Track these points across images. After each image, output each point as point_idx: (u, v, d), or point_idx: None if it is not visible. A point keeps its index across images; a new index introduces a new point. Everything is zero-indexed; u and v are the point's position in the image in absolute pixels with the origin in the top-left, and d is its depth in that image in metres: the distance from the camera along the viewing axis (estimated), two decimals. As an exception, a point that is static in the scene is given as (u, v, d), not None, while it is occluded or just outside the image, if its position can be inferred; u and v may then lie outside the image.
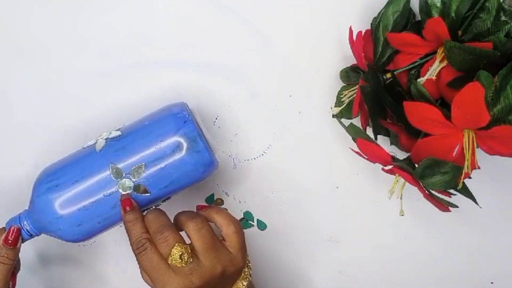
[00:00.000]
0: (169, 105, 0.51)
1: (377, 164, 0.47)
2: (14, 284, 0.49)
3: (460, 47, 0.42)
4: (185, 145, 0.47)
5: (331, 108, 0.55)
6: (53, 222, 0.47)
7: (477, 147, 0.42)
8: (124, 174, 0.47)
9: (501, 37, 0.43)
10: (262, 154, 0.58)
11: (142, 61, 0.56)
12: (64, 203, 0.47)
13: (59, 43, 0.56)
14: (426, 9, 0.46)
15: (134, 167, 0.47)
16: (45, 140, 0.57)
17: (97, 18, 0.55)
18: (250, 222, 0.60)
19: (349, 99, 0.53)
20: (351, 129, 0.47)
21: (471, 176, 0.43)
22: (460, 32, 0.45)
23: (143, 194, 0.48)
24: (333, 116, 0.55)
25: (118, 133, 0.49)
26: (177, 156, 0.47)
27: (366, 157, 0.47)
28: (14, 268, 0.48)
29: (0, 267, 0.46)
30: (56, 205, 0.47)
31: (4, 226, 0.49)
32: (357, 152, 0.47)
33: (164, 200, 0.51)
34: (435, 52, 0.46)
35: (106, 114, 0.57)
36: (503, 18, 0.44)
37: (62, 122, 0.57)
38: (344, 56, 0.55)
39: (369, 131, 0.51)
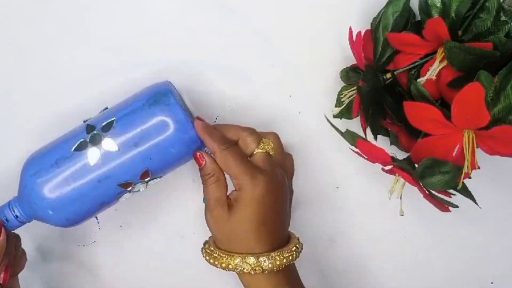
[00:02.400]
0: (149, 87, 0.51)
1: (377, 164, 0.47)
2: (5, 279, 0.48)
3: (460, 47, 0.42)
4: (154, 98, 0.47)
5: (327, 114, 0.55)
6: (41, 205, 0.47)
7: (477, 147, 0.42)
8: (95, 129, 0.47)
9: (501, 37, 0.43)
10: (262, 154, 0.58)
11: (142, 61, 0.56)
12: (50, 185, 0.46)
13: (59, 42, 0.56)
14: (426, 9, 0.46)
15: (105, 121, 0.47)
16: (45, 140, 0.57)
17: (97, 18, 0.55)
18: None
19: (349, 99, 0.53)
20: (348, 136, 0.47)
21: (471, 176, 0.43)
22: (460, 32, 0.45)
23: (111, 150, 0.46)
24: (333, 116, 0.55)
25: (105, 107, 0.50)
26: (146, 109, 0.47)
27: (366, 157, 0.47)
28: (8, 264, 0.48)
29: None
30: (43, 188, 0.46)
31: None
32: (357, 152, 0.47)
33: (144, 178, 0.48)
34: (435, 52, 0.46)
35: (106, 114, 0.57)
36: (503, 18, 0.44)
37: (62, 122, 0.57)
38: (344, 56, 0.55)
39: (369, 131, 0.51)
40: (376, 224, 0.60)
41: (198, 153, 0.48)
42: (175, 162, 0.49)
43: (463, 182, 0.43)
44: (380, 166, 0.48)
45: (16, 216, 0.48)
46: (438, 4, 0.45)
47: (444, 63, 0.45)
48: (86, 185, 0.47)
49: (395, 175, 0.47)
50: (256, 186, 0.46)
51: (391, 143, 0.53)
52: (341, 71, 0.55)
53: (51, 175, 0.47)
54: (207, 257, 0.48)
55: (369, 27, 0.51)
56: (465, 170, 0.42)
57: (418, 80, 0.46)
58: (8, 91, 0.56)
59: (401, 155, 0.49)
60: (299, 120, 0.58)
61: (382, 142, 0.50)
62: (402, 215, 0.48)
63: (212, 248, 0.48)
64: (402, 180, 0.47)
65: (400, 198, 0.48)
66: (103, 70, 0.56)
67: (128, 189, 0.48)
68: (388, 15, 0.49)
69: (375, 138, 0.51)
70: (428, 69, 0.46)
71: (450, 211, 0.46)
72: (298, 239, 0.50)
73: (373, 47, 0.50)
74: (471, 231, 0.60)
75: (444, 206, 0.46)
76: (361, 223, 0.60)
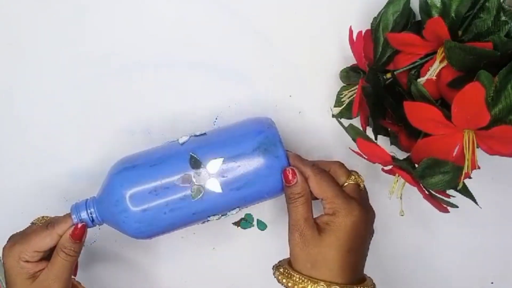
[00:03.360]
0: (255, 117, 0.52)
1: (377, 164, 0.47)
2: (75, 273, 0.52)
3: (460, 47, 0.42)
4: (265, 147, 0.47)
5: (331, 109, 0.55)
6: (127, 220, 0.46)
7: (477, 147, 0.42)
8: (202, 165, 0.47)
9: (501, 37, 0.43)
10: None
11: (141, 61, 0.56)
12: (145, 208, 0.46)
13: (59, 42, 0.56)
14: (426, 9, 0.46)
15: (212, 159, 0.47)
16: (45, 140, 0.57)
17: (97, 18, 0.55)
18: (250, 222, 0.60)
19: (349, 99, 0.53)
20: (350, 130, 0.47)
21: (471, 176, 0.43)
22: (460, 32, 0.45)
23: (215, 191, 0.47)
24: (333, 116, 0.55)
25: (203, 132, 0.50)
26: (256, 157, 0.47)
27: (366, 157, 0.47)
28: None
29: (66, 258, 0.47)
30: (135, 208, 0.46)
31: (68, 214, 0.48)
32: (357, 152, 0.47)
33: (232, 209, 0.50)
34: (435, 52, 0.46)
35: (106, 113, 0.57)
36: (503, 18, 0.44)
37: (62, 122, 0.57)
38: (344, 56, 0.55)
39: (369, 131, 0.51)
40: (376, 224, 0.60)
41: (289, 169, 0.47)
42: (261, 200, 0.50)
43: (463, 182, 0.43)
44: (380, 166, 0.48)
45: (91, 217, 0.48)
46: (438, 4, 0.45)
47: (444, 63, 0.45)
48: (180, 216, 0.48)
49: (395, 175, 0.47)
50: (350, 212, 0.46)
51: (391, 143, 0.53)
52: (341, 71, 0.55)
53: (147, 200, 0.46)
54: (283, 279, 0.46)
55: (369, 27, 0.51)
56: (465, 170, 0.42)
57: (418, 80, 0.46)
58: (8, 91, 0.56)
59: (401, 155, 0.49)
60: (299, 120, 0.58)
61: (382, 142, 0.50)
62: (402, 215, 0.48)
63: (290, 271, 0.46)
64: (402, 180, 0.46)
65: (400, 198, 0.48)
66: (103, 70, 0.56)
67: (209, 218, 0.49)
68: (388, 15, 0.49)
69: (375, 138, 0.51)
70: (428, 69, 0.46)
71: (449, 211, 0.46)
72: (373, 282, 0.49)
73: (373, 47, 0.50)
74: (471, 231, 0.60)
75: (443, 206, 0.46)
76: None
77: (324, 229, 0.46)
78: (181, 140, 0.49)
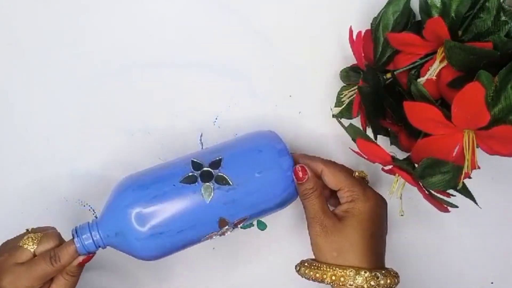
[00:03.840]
0: (271, 145, 0.50)
1: (377, 164, 0.47)
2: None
3: (460, 47, 0.42)
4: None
5: (331, 109, 0.55)
6: (130, 236, 0.46)
7: (477, 147, 0.42)
8: (227, 223, 0.48)
9: (501, 37, 0.43)
10: (262, 154, 0.58)
11: (141, 61, 0.56)
12: (147, 218, 0.46)
13: (59, 42, 0.56)
14: (426, 9, 0.46)
15: (238, 219, 0.49)
16: (45, 141, 0.57)
17: (97, 18, 0.55)
18: (250, 222, 0.60)
19: (349, 99, 0.53)
20: (350, 129, 0.47)
21: (471, 176, 0.43)
22: (460, 32, 0.45)
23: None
24: (333, 116, 0.55)
25: (227, 181, 0.48)
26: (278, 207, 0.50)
27: (366, 157, 0.47)
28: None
29: (71, 279, 0.47)
30: (137, 220, 0.45)
31: (71, 240, 0.47)
32: (357, 152, 0.47)
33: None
34: (435, 52, 0.46)
35: (106, 113, 0.57)
36: (503, 18, 0.44)
37: (62, 122, 0.57)
38: (344, 56, 0.55)
39: (369, 131, 0.51)
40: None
41: (298, 167, 0.48)
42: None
43: (463, 182, 0.43)
44: (380, 166, 0.48)
45: (93, 240, 0.46)
46: (438, 4, 0.45)
47: (444, 63, 0.45)
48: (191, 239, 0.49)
49: (395, 175, 0.47)
50: (368, 198, 0.48)
51: (391, 143, 0.53)
52: (341, 71, 0.55)
53: (160, 226, 0.46)
54: (310, 272, 0.47)
55: (369, 27, 0.51)
56: (465, 170, 0.42)
57: (418, 80, 0.46)
58: (8, 91, 0.56)
59: (401, 155, 0.49)
60: (299, 120, 0.58)
61: (382, 142, 0.50)
62: (402, 215, 0.48)
63: (316, 263, 0.47)
64: (402, 180, 0.46)
65: (400, 198, 0.48)
66: (103, 70, 0.56)
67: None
68: (388, 15, 0.49)
69: (375, 138, 0.51)
70: (428, 69, 0.46)
71: (450, 211, 0.46)
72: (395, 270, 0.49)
73: (373, 47, 0.50)
74: (471, 231, 0.60)
75: (443, 206, 0.46)
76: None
77: (345, 217, 0.47)
78: (206, 196, 0.47)
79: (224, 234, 0.50)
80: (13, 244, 0.47)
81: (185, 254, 0.59)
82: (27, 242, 0.47)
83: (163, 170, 0.48)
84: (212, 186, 0.47)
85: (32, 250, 0.47)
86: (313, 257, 0.48)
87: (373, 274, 0.45)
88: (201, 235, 0.48)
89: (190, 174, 0.47)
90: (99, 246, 0.47)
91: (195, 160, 0.48)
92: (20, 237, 0.48)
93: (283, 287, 0.61)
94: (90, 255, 0.47)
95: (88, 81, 0.56)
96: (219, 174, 0.47)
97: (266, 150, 0.49)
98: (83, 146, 0.57)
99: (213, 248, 0.60)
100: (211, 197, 0.47)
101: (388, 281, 0.45)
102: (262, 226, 0.60)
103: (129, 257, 0.48)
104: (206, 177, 0.47)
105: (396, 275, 0.47)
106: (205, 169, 0.47)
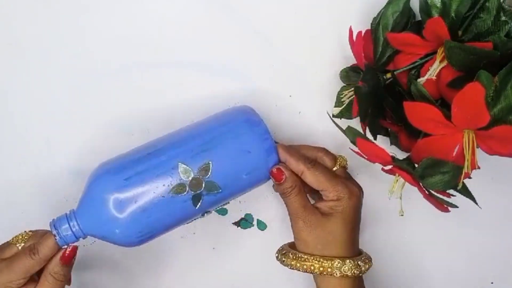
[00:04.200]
0: (259, 145, 0.49)
1: (377, 164, 0.47)
2: (69, 283, 0.50)
3: (460, 47, 0.42)
4: (257, 151, 0.48)
5: (327, 113, 0.55)
6: (109, 223, 0.45)
7: (477, 147, 0.42)
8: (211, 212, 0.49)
9: (501, 37, 0.43)
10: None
11: (142, 61, 0.56)
12: (124, 202, 0.45)
13: (59, 42, 0.56)
14: (426, 9, 0.46)
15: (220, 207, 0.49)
16: (45, 141, 0.57)
17: (97, 18, 0.55)
18: (250, 222, 0.60)
19: (349, 99, 0.53)
20: (348, 132, 0.47)
21: (471, 176, 0.43)
22: (460, 32, 0.45)
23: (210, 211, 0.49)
24: (333, 116, 0.55)
25: (216, 188, 0.48)
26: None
27: (366, 157, 0.47)
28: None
29: (55, 283, 0.46)
30: (115, 206, 0.45)
31: (49, 227, 0.47)
32: (357, 152, 0.47)
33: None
34: (435, 52, 0.46)
35: (106, 113, 0.57)
36: (503, 18, 0.44)
37: (62, 122, 0.57)
38: (344, 56, 0.55)
39: (369, 132, 0.51)
40: (376, 224, 0.60)
41: (276, 168, 0.49)
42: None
43: (463, 182, 0.43)
44: (380, 166, 0.48)
45: (72, 231, 0.46)
46: (438, 4, 0.45)
47: (444, 63, 0.45)
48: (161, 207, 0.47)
49: (395, 175, 0.47)
50: (352, 194, 0.49)
51: (391, 143, 0.53)
52: (341, 71, 0.55)
53: (130, 191, 0.45)
54: (297, 264, 0.48)
55: (369, 27, 0.51)
56: (465, 170, 0.42)
57: (418, 80, 0.46)
58: (8, 91, 0.56)
59: (401, 155, 0.49)
60: (299, 120, 0.58)
61: (382, 142, 0.50)
62: (402, 215, 0.48)
63: (301, 255, 0.49)
64: (402, 180, 0.46)
65: (400, 198, 0.48)
66: (103, 70, 0.56)
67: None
68: (388, 15, 0.49)
69: (375, 138, 0.51)
70: (428, 69, 0.46)
71: (450, 211, 0.46)
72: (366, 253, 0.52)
73: (373, 47, 0.50)
74: (471, 231, 0.60)
75: (443, 206, 0.46)
76: (360, 223, 0.60)
77: (330, 214, 0.49)
78: (194, 204, 0.47)
79: (204, 216, 0.50)
80: (6, 243, 0.48)
81: (185, 254, 0.59)
82: (16, 240, 0.48)
83: (140, 156, 0.47)
84: (201, 195, 0.47)
85: (19, 247, 0.47)
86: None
87: (356, 263, 0.48)
88: (182, 222, 0.49)
89: (179, 183, 0.46)
90: (79, 237, 0.46)
91: (183, 165, 0.46)
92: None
93: (283, 287, 0.61)
94: (71, 250, 0.46)
95: (88, 81, 0.56)
96: (208, 180, 0.47)
97: (254, 151, 0.48)
98: (83, 146, 0.57)
99: (213, 248, 0.60)
100: (199, 204, 0.47)
101: (367, 266, 0.49)
102: (262, 226, 0.60)
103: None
104: (196, 186, 0.46)
105: (370, 259, 0.50)
106: (194, 177, 0.46)
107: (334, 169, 0.51)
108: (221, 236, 0.60)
